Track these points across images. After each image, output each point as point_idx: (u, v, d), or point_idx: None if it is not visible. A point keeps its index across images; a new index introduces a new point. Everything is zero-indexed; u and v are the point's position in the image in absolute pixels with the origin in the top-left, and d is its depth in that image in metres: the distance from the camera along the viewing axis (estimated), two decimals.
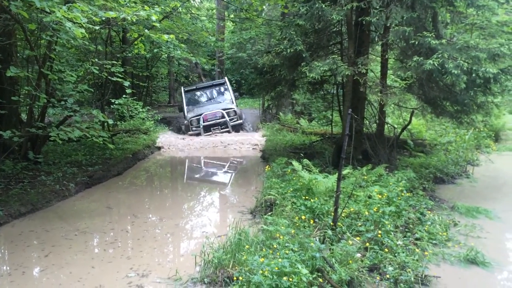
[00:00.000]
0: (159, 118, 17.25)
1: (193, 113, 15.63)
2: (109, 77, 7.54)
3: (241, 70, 22.98)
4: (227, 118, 15.16)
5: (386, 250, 4.76)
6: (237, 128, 15.58)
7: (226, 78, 17.75)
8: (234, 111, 15.44)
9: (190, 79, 26.51)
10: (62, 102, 6.97)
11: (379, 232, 5.07)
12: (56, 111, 10.49)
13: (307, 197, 6.18)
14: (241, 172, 10.61)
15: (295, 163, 7.14)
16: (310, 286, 3.63)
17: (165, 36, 6.15)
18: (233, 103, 16.13)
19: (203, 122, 14.97)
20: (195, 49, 19.00)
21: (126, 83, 7.11)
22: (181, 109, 16.62)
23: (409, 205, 6.41)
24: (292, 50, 7.64)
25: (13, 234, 5.92)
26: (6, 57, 8.11)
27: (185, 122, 15.74)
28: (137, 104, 15.88)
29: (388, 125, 10.14)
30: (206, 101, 16.92)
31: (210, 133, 14.95)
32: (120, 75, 7.45)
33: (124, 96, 12.80)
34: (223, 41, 18.77)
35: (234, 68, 23.97)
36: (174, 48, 13.19)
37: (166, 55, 14.27)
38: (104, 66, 7.69)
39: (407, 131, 10.87)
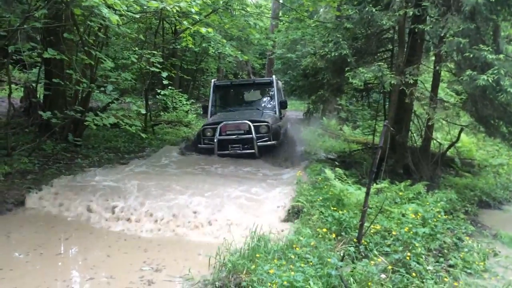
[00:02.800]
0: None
1: (213, 119, 10.76)
2: (147, 67, 7.60)
3: (288, 71, 22.67)
4: (254, 135, 9.66)
5: (414, 274, 4.42)
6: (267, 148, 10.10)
7: (274, 77, 11.73)
8: (267, 126, 9.84)
9: (239, 76, 26.53)
10: (102, 88, 7.07)
11: (408, 254, 4.73)
12: (104, 97, 10.76)
13: (336, 208, 5.90)
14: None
15: (328, 171, 6.87)
16: None
17: (203, 30, 6.06)
18: (276, 113, 11.05)
19: (220, 134, 9.83)
20: (245, 46, 18.93)
21: (164, 74, 7.12)
22: (206, 109, 11.67)
23: (447, 228, 5.99)
24: (336, 54, 7.38)
25: (40, 214, 6.03)
26: (58, 40, 8.33)
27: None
28: (182, 96, 15.97)
29: (435, 140, 9.62)
30: (241, 104, 11.92)
31: (228, 151, 9.89)
32: (158, 66, 7.48)
33: (169, 87, 12.92)
34: (271, 39, 18.46)
35: (283, 69, 23.71)
36: (222, 44, 13.20)
37: (214, 50, 14.25)
38: (143, 55, 7.75)
39: (455, 149, 10.27)
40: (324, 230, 5.13)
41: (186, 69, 18.23)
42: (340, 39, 7.42)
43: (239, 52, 14.35)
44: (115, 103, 7.10)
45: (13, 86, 12.99)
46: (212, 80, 12.22)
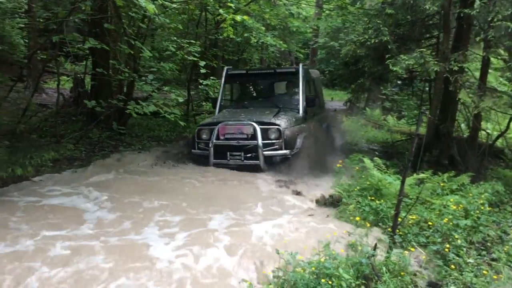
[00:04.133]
0: None
1: (215, 117, 8.53)
2: (186, 56, 7.74)
3: (331, 60, 22.24)
4: (259, 142, 7.41)
5: (453, 266, 4.29)
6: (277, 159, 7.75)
7: (301, 66, 9.02)
8: (279, 130, 7.55)
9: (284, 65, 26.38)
10: (143, 78, 7.28)
11: (447, 246, 4.58)
12: (147, 88, 11.04)
13: (373, 198, 5.80)
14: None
15: (367, 161, 6.74)
16: None
17: (238, 17, 6.08)
18: (300, 112, 8.51)
19: (217, 138, 7.67)
20: (288, 36, 18.76)
21: (202, 63, 7.24)
22: (215, 103, 9.34)
23: (492, 221, 5.74)
24: (377, 41, 7.18)
25: None
26: (103, 32, 8.63)
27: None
28: None
29: (483, 131, 9.20)
30: (257, 99, 9.78)
31: (226, 161, 7.64)
32: (196, 55, 7.59)
33: (211, 78, 13.08)
34: (313, 27, 18.11)
35: (327, 58, 23.29)
36: (263, 34, 13.14)
37: (256, 40, 14.24)
38: (182, 45, 7.90)
39: (504, 139, 9.78)
40: (357, 218, 5.06)
41: (228, 59, 18.34)
42: (381, 26, 7.22)
43: (281, 42, 14.29)
44: (156, 93, 7.28)
45: (64, 77, 13.63)
46: (225, 68, 9.48)
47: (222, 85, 9.31)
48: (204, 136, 7.93)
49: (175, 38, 7.97)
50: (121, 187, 6.22)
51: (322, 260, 3.59)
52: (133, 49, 7.43)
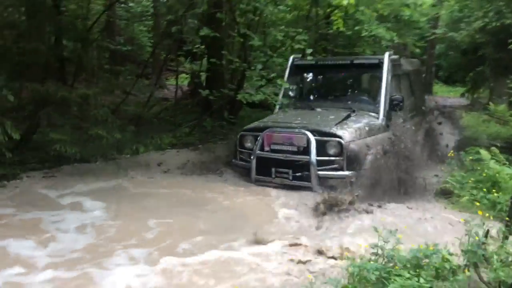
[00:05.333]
0: None
1: (266, 120, 7.10)
2: (293, 45, 7.87)
3: (450, 52, 20.61)
4: (312, 158, 5.88)
5: None
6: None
7: (387, 56, 7.10)
8: (340, 143, 5.90)
9: None
10: (253, 68, 7.62)
11: None
12: (257, 79, 11.43)
13: (489, 190, 5.38)
14: None
15: (483, 152, 6.25)
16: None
17: (345, 1, 6.01)
18: (380, 117, 6.70)
19: (261, 149, 6.28)
20: (403, 28, 17.91)
21: (309, 51, 7.29)
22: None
23: None
24: (498, 24, 6.58)
25: None
26: (219, 27, 9.20)
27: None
28: None
29: None
30: (327, 97, 7.68)
31: (271, 179, 6.20)
32: (303, 43, 7.67)
33: None
34: (429, 16, 16.93)
35: (446, 51, 21.63)
36: (376, 26, 12.79)
37: (367, 33, 13.84)
38: (289, 33, 8.06)
39: None
40: (479, 212, 4.74)
41: (338, 53, 18.12)
42: (503, 8, 6.60)
43: (394, 34, 13.73)
44: (263, 84, 7.53)
45: (183, 75, 14.76)
46: (291, 57, 7.92)
47: (286, 78, 7.66)
48: (247, 144, 6.54)
49: (282, 27, 8.18)
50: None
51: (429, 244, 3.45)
52: (243, 38, 7.80)
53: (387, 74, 6.88)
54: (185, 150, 7.88)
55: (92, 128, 6.33)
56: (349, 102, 7.11)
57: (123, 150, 7.11)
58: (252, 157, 6.28)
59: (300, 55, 8.08)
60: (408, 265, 3.13)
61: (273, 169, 6.10)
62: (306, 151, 5.91)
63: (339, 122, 6.26)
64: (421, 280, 2.89)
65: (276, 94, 7.41)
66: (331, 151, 5.91)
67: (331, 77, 8.09)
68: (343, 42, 18.57)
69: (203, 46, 9.69)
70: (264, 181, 6.19)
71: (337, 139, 5.87)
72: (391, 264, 3.18)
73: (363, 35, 14.65)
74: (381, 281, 3.06)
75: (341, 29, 12.25)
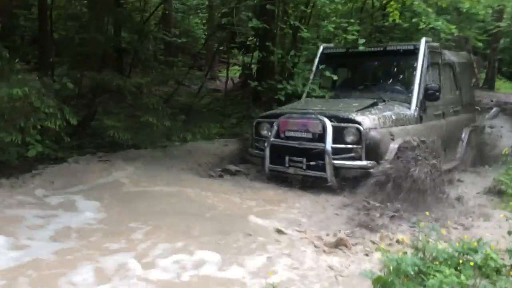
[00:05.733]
0: None
1: (285, 107, 6.68)
2: (344, 35, 7.72)
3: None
4: (327, 145, 5.39)
5: None
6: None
7: (424, 42, 6.41)
8: (358, 130, 5.37)
9: None
10: (303, 61, 7.62)
11: None
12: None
13: None
14: None
15: None
16: None
17: None
18: (412, 108, 6.09)
19: (276, 136, 5.88)
20: (464, 21, 17.07)
21: (362, 41, 7.12)
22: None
23: None
24: None
25: None
26: (272, 20, 9.26)
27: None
28: None
29: None
30: (357, 87, 7.00)
31: (284, 169, 5.81)
32: (355, 34, 7.51)
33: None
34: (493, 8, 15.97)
35: (510, 45, 20.38)
36: (434, 19, 12.28)
37: (425, 25, 13.31)
38: (341, 24, 7.93)
39: None
40: None
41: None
42: None
43: (453, 27, 13.14)
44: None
45: (235, 67, 14.97)
46: (321, 45, 7.57)
47: (314, 67, 7.35)
48: (263, 132, 6.17)
49: (334, 18, 8.07)
50: None
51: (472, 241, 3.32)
52: (293, 30, 7.78)
53: (423, 61, 6.27)
54: (233, 140, 7.99)
55: (143, 116, 6.56)
56: (381, 92, 6.50)
57: (171, 138, 7.33)
58: (266, 145, 5.86)
59: (331, 44, 7.78)
60: (449, 261, 3.04)
61: (287, 158, 5.68)
62: (321, 138, 5.45)
63: (362, 109, 5.79)
64: (462, 277, 2.79)
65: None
66: (349, 138, 5.42)
67: (362, 66, 7.53)
68: (400, 34, 18.00)
69: (255, 38, 9.76)
70: (278, 171, 5.84)
71: (356, 125, 5.36)
72: (431, 259, 3.09)
73: (420, 27, 14.15)
74: (420, 276, 2.99)
75: (397, 21, 11.92)
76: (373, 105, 5.97)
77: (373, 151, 5.29)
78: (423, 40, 6.44)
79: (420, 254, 3.16)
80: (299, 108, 6.26)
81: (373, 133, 5.33)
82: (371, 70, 7.45)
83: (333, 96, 6.88)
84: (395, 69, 7.08)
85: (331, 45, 7.76)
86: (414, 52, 6.37)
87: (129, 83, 7.02)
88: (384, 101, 6.17)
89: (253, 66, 11.51)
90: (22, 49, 8.78)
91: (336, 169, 5.38)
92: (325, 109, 5.88)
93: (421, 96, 6.12)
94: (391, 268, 2.98)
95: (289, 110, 6.19)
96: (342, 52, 7.43)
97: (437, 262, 2.97)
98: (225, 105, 9.70)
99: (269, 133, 5.92)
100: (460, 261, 3.03)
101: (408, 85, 6.41)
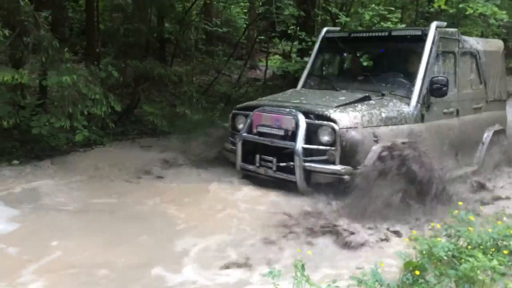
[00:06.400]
0: None
1: (263, 99, 6.04)
2: (382, 23, 7.61)
3: None
4: (298, 145, 4.70)
5: None
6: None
7: (434, 27, 5.45)
8: (333, 129, 4.64)
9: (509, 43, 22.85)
10: None
11: None
12: None
13: None
14: None
15: None
16: None
17: None
18: (412, 103, 5.24)
19: (249, 129, 5.25)
20: None
21: (401, 26, 7.00)
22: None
23: None
24: None
25: None
26: (311, 6, 9.25)
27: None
28: None
29: None
30: (356, 77, 6.28)
31: (255, 168, 5.18)
32: (394, 20, 7.38)
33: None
34: None
35: None
36: (482, 4, 11.78)
37: (472, 11, 12.73)
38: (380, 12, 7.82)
39: None
40: None
41: None
42: None
43: (504, 12, 12.54)
44: None
45: (276, 57, 14.97)
46: (323, 29, 6.79)
47: (314, 53, 6.57)
48: (240, 125, 5.52)
49: (373, 5, 7.93)
50: None
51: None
52: (332, 18, 7.74)
53: (431, 49, 5.36)
54: None
55: (179, 107, 6.75)
56: (381, 84, 5.65)
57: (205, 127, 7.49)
58: (237, 140, 5.28)
59: (336, 28, 7.13)
60: (483, 247, 3.01)
61: (257, 156, 5.08)
62: (293, 136, 4.79)
63: (345, 104, 5.01)
64: (494, 262, 2.77)
65: None
66: (324, 138, 4.69)
67: (365, 54, 6.84)
68: (446, 21, 17.35)
69: (296, 27, 9.73)
70: (249, 170, 5.22)
71: (330, 123, 4.62)
72: (464, 245, 3.07)
73: (468, 13, 13.60)
74: (452, 261, 2.99)
75: (443, 7, 11.54)
76: (364, 99, 5.23)
77: (350, 154, 4.57)
78: (433, 24, 5.53)
79: (454, 240, 3.16)
80: (279, 101, 5.51)
81: (351, 134, 4.60)
82: (375, 59, 6.78)
83: (330, 88, 6.03)
84: (400, 58, 6.17)
85: (337, 28, 7.10)
86: (422, 39, 5.46)
87: (170, 72, 7.22)
88: (383, 95, 5.41)
89: (293, 54, 11.50)
90: (70, 40, 9.15)
91: (308, 173, 4.72)
92: (305, 103, 5.18)
93: (424, 91, 5.26)
94: (423, 252, 2.99)
95: (266, 102, 5.51)
96: (344, 37, 6.49)
97: (469, 247, 2.95)
98: (264, 94, 9.72)
99: (244, 124, 5.32)
100: (493, 249, 3.00)
101: (412, 78, 5.44)
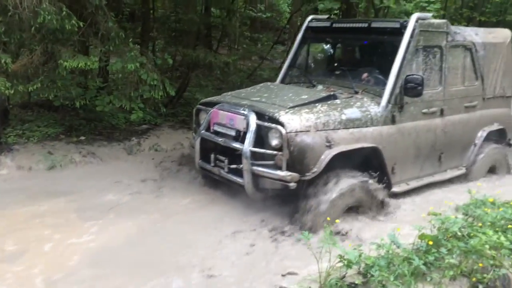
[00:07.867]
0: None
1: (229, 94, 5.49)
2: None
3: None
4: (246, 147, 4.36)
5: None
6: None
7: (414, 18, 4.92)
8: (280, 132, 4.24)
9: None
10: None
11: None
12: None
13: None
14: None
15: None
16: None
17: None
18: (382, 102, 4.78)
19: (207, 127, 4.99)
20: None
21: (430, 14, 7.14)
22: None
23: None
24: None
25: None
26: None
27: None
28: None
29: None
30: (334, 71, 5.74)
31: (210, 167, 4.91)
32: (430, 9, 7.51)
33: None
34: None
35: None
36: None
37: None
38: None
39: None
40: None
41: (484, 22, 16.63)
42: None
43: None
44: None
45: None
46: (308, 18, 6.13)
47: (296, 43, 6.05)
48: (202, 119, 5.23)
49: None
50: None
51: None
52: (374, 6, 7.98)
53: (408, 44, 4.88)
54: None
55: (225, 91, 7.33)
56: (357, 80, 5.21)
57: None
58: (195, 137, 5.09)
59: (320, 16, 6.61)
60: (496, 225, 3.38)
61: (212, 155, 4.85)
62: (243, 137, 4.50)
63: (302, 105, 4.61)
64: (502, 238, 3.14)
65: None
66: (273, 142, 4.36)
67: (346, 45, 6.14)
68: (491, 9, 16.91)
69: (339, 13, 9.99)
70: (206, 169, 5.00)
71: (278, 126, 4.26)
72: (477, 223, 3.46)
73: None
74: (465, 237, 3.36)
75: None
76: (327, 98, 4.81)
77: (298, 160, 4.24)
78: (413, 16, 5.00)
79: (468, 219, 3.55)
80: (241, 97, 5.11)
81: (301, 138, 4.24)
82: (355, 52, 6.08)
83: (307, 82, 5.59)
84: (379, 52, 5.56)
85: (323, 17, 6.54)
86: (401, 32, 4.97)
87: (218, 60, 7.79)
88: (356, 92, 5.01)
89: None
90: (126, 26, 9.86)
91: (257, 178, 4.44)
92: (263, 102, 4.80)
93: (397, 90, 4.81)
94: (438, 227, 3.37)
95: (227, 99, 5.14)
96: (326, 27, 5.85)
97: (480, 224, 3.34)
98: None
99: (203, 120, 5.09)
100: (509, 226, 3.34)
101: (387, 75, 4.89)
